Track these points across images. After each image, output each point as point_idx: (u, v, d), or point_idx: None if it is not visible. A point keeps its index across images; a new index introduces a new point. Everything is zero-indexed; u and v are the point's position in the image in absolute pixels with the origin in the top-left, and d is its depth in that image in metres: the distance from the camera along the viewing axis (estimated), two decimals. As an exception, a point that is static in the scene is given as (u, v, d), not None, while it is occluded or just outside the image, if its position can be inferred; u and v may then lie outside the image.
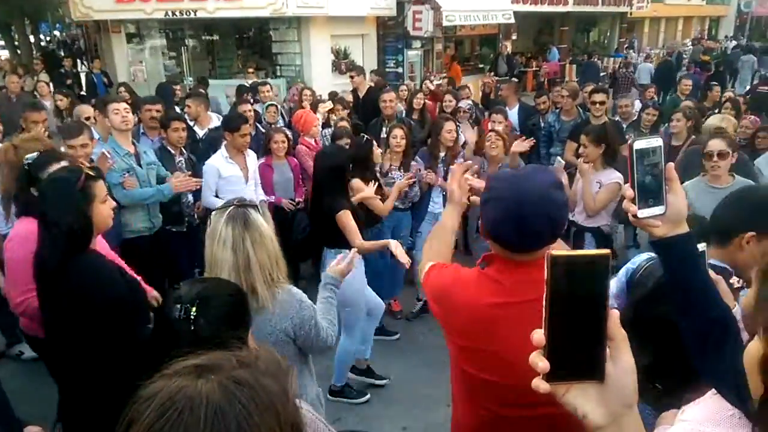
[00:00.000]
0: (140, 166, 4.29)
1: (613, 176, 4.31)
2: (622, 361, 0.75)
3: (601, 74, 18.22)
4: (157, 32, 13.50)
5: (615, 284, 2.42)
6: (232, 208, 2.07)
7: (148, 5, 11.49)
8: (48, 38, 27.52)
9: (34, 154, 2.85)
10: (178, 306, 1.36)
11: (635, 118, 6.85)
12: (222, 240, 2.01)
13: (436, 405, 3.68)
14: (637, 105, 7.77)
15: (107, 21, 12.23)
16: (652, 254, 2.31)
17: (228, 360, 0.81)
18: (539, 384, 0.75)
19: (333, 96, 8.00)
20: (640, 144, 1.17)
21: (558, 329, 0.74)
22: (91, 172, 2.36)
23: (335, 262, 2.55)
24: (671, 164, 1.20)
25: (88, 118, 5.15)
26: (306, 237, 4.73)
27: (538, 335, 0.75)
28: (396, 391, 4.16)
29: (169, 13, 11.67)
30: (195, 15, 11.81)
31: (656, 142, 1.18)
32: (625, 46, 23.21)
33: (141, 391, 0.77)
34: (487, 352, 1.68)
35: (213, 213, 2.12)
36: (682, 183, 1.27)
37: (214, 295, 1.41)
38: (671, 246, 1.26)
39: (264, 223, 2.07)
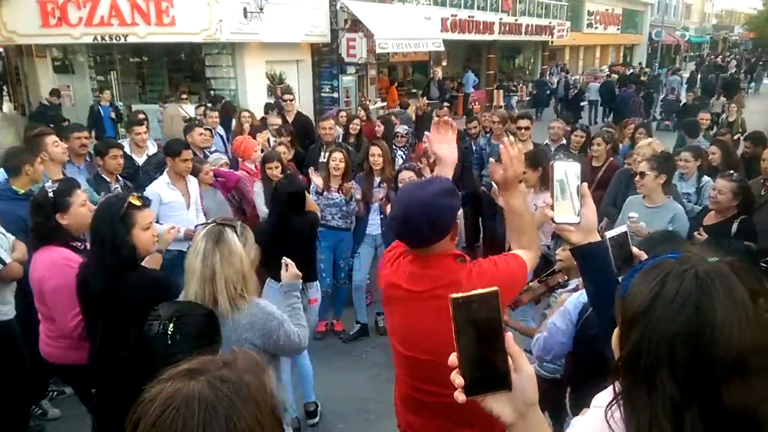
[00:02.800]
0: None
1: (547, 199, 4.60)
2: (522, 370, 0.96)
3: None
4: (84, 55, 13.14)
5: (562, 321, 2.50)
6: (212, 224, 2.28)
7: (75, 30, 11.17)
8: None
9: (54, 184, 2.98)
10: (156, 323, 1.46)
11: (563, 141, 7.32)
12: (196, 252, 2.21)
13: (380, 418, 3.81)
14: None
15: (32, 45, 11.79)
16: None
17: (213, 362, 0.96)
18: (458, 395, 0.95)
19: (268, 107, 8.03)
20: (559, 164, 1.46)
21: (466, 353, 0.94)
22: (136, 202, 2.54)
23: (284, 270, 2.67)
24: (585, 184, 1.48)
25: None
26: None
27: (452, 358, 0.95)
28: (344, 406, 4.26)
29: (98, 37, 11.38)
30: (125, 40, 11.57)
31: (574, 164, 1.47)
32: (549, 71, 24.69)
33: (144, 395, 0.91)
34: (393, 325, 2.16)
35: (197, 228, 2.36)
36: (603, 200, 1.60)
37: (188, 313, 1.52)
38: (587, 251, 1.52)
39: (236, 242, 2.25)
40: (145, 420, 0.87)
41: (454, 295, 0.93)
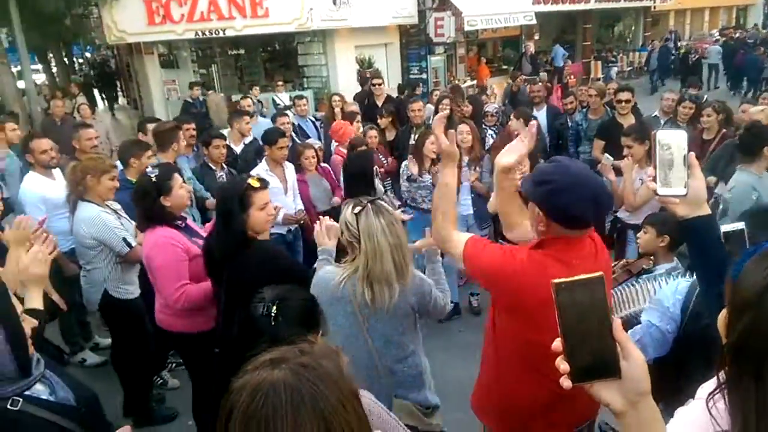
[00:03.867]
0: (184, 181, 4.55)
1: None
2: (632, 357, 0.93)
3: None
4: (187, 50, 13.93)
5: (663, 319, 2.32)
6: (370, 204, 2.40)
7: (178, 26, 11.89)
8: (81, 61, 28.51)
9: (155, 170, 3.25)
10: (261, 304, 1.55)
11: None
12: (372, 229, 2.36)
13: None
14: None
15: (140, 43, 12.67)
16: (689, 278, 2.38)
17: (292, 351, 1.03)
18: (563, 381, 0.94)
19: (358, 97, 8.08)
20: (662, 133, 1.39)
21: (571, 339, 0.92)
22: (254, 183, 2.77)
23: (420, 242, 2.81)
24: (693, 153, 1.39)
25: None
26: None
27: (557, 343, 0.94)
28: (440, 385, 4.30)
29: (199, 33, 12.05)
30: (224, 33, 12.18)
31: (679, 132, 1.39)
32: (665, 38, 23.27)
33: (233, 385, 0.99)
34: None
35: (350, 213, 2.43)
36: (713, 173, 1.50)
37: (291, 297, 1.61)
38: (695, 226, 1.44)
39: (397, 222, 2.46)
40: (237, 409, 0.94)
41: (557, 280, 0.92)
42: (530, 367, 2.10)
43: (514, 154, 2.11)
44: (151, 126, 4.93)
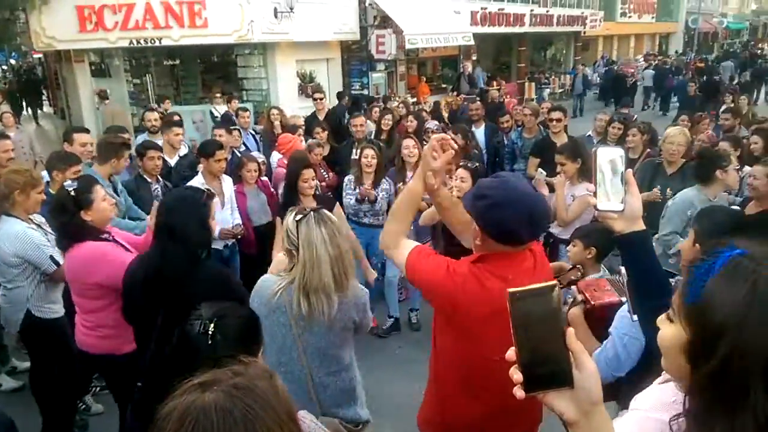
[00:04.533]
0: (117, 194, 4.35)
1: (586, 189, 4.55)
2: (585, 368, 0.93)
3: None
4: (121, 59, 13.46)
5: (633, 328, 2.28)
6: (313, 213, 2.38)
7: (111, 34, 11.45)
8: (5, 68, 27.05)
9: (74, 182, 3.01)
10: (198, 322, 1.48)
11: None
12: (311, 239, 2.31)
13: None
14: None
15: (70, 51, 12.13)
16: None
17: (224, 373, 0.98)
18: (516, 392, 0.93)
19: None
20: (602, 150, 1.43)
21: (525, 348, 0.92)
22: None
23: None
24: (630, 170, 1.44)
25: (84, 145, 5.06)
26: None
27: (510, 353, 0.93)
28: (378, 402, 4.26)
29: (134, 41, 11.65)
30: (160, 43, 11.82)
31: (618, 150, 1.44)
32: (595, 63, 24.77)
33: (159, 412, 0.92)
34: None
35: (292, 220, 2.38)
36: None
37: (230, 314, 1.54)
38: (632, 240, 1.48)
39: (337, 229, 2.40)
40: None
41: (511, 290, 0.92)
42: (469, 383, 2.10)
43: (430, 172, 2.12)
44: (77, 136, 4.69)
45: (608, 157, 1.41)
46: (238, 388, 0.92)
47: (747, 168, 5.23)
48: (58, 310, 3.58)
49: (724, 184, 4.14)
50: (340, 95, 11.30)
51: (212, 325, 1.47)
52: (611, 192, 1.41)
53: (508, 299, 0.91)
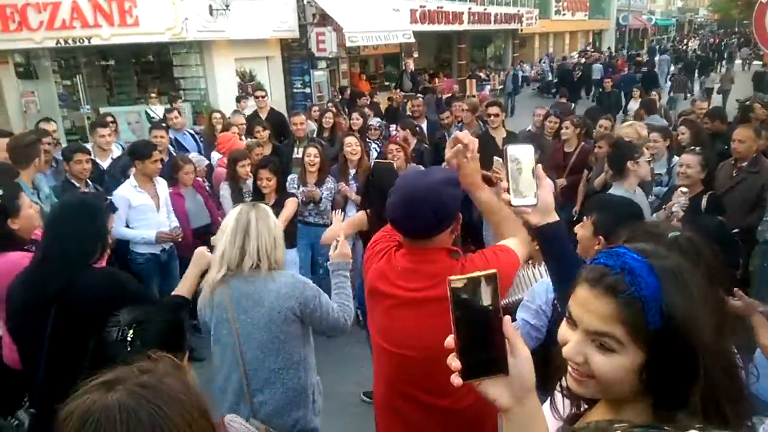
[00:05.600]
0: (40, 200, 4.14)
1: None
2: (519, 353, 0.95)
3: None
4: (48, 60, 12.83)
5: (535, 316, 2.46)
6: (252, 204, 2.49)
7: (36, 34, 10.87)
8: None
9: None
10: (115, 329, 1.42)
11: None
12: (233, 216, 2.40)
13: (366, 412, 3.78)
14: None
15: (-8, 51, 11.47)
16: None
17: (130, 371, 0.93)
18: (454, 379, 0.94)
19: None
20: (512, 147, 1.47)
21: (463, 336, 0.93)
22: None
23: (332, 250, 2.72)
24: (540, 165, 1.49)
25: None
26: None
27: (449, 340, 0.94)
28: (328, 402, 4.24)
29: (61, 41, 11.11)
30: (89, 42, 11.32)
31: (527, 147, 1.49)
32: (540, 60, 25.58)
33: (59, 414, 0.87)
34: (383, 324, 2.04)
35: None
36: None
37: (151, 319, 1.48)
38: (546, 231, 1.55)
39: (271, 212, 2.47)
40: None
41: (453, 278, 0.92)
42: (375, 362, 2.20)
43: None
44: (2, 140, 4.44)
45: (518, 155, 1.46)
46: (143, 386, 0.88)
47: (676, 158, 5.49)
48: None
49: (637, 176, 4.25)
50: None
51: (131, 332, 1.41)
52: (523, 188, 1.46)
53: (448, 286, 0.92)
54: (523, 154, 1.45)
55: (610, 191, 4.27)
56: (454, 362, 0.93)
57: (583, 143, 6.33)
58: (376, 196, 3.88)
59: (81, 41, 11.23)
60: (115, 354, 1.38)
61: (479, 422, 2.02)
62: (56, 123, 6.38)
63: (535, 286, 2.60)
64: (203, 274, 2.59)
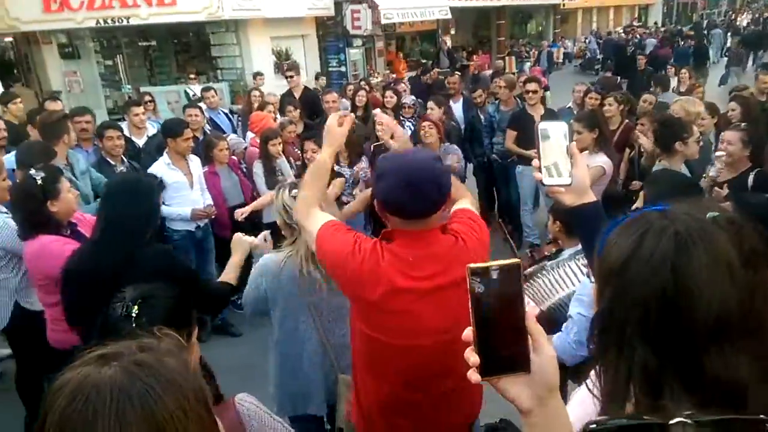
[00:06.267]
0: (76, 177, 4.19)
1: (598, 160, 4.49)
2: (543, 352, 0.86)
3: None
4: (90, 41, 13.08)
5: (588, 309, 2.33)
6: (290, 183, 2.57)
7: (78, 14, 11.11)
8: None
9: (39, 171, 2.88)
10: (120, 304, 1.39)
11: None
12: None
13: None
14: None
15: (36, 32, 11.76)
16: None
17: (128, 347, 0.88)
18: (471, 375, 0.85)
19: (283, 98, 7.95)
20: (544, 125, 1.39)
21: (483, 330, 0.84)
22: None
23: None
24: (574, 143, 1.41)
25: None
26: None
27: (467, 333, 0.85)
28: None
29: (101, 21, 11.31)
30: (128, 22, 11.50)
31: (561, 124, 1.40)
32: (585, 38, 24.75)
33: (52, 385, 0.83)
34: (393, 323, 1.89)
35: (288, 196, 2.52)
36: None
37: (157, 295, 1.44)
38: (582, 212, 1.46)
39: None
40: (53, 412, 0.79)
41: (472, 265, 0.84)
42: (371, 365, 2.04)
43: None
44: (54, 104, 4.51)
45: (551, 132, 1.38)
46: (140, 364, 0.83)
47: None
48: (34, 302, 3.34)
49: (684, 155, 4.06)
50: (318, 75, 11.10)
51: (135, 308, 1.37)
52: (557, 166, 1.39)
53: (468, 274, 0.84)
54: (556, 132, 1.37)
55: (654, 171, 4.10)
56: (472, 357, 0.85)
57: (626, 121, 6.08)
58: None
59: (120, 21, 11.42)
60: (119, 330, 1.35)
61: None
62: (62, 102, 6.28)
63: (585, 279, 2.51)
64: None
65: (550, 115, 6.09)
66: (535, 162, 1.40)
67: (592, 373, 1.08)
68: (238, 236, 2.73)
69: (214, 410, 1.36)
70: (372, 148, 4.95)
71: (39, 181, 2.81)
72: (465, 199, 2.10)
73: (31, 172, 2.93)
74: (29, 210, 2.84)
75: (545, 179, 1.39)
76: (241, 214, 4.51)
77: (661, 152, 4.13)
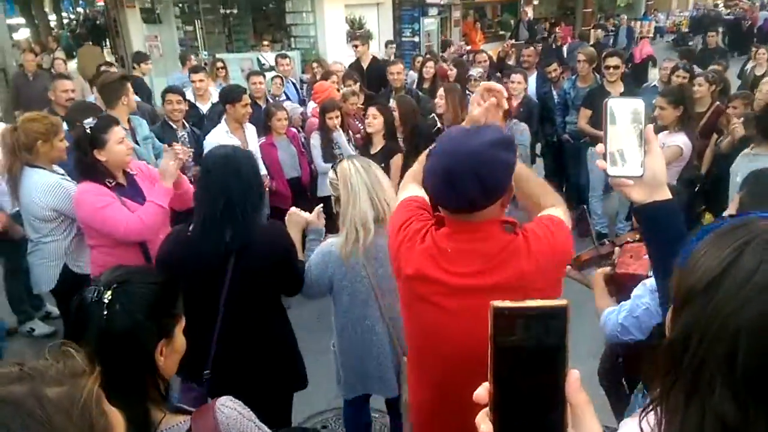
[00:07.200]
0: (137, 142, 4.25)
1: (677, 140, 4.19)
2: (584, 430, 0.65)
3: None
4: (172, 5, 13.41)
5: (652, 298, 2.09)
6: (351, 157, 2.51)
7: (160, -22, 11.39)
8: (72, 16, 27.73)
9: (91, 119, 3.00)
10: (92, 287, 1.30)
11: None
12: (354, 170, 2.39)
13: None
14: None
15: (122, -5, 12.18)
16: None
17: (5, 375, 0.74)
18: None
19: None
20: (615, 102, 1.12)
21: (505, 392, 0.63)
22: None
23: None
24: (650, 126, 1.15)
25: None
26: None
27: (482, 392, 0.65)
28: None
29: (181, -15, 11.56)
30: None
31: (635, 102, 1.12)
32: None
33: None
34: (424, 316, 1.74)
35: (330, 171, 2.50)
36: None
37: (135, 281, 1.33)
38: (653, 212, 1.19)
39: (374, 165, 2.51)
40: None
41: (498, 304, 0.61)
42: (414, 355, 1.90)
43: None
44: (58, 83, 4.61)
45: (623, 110, 1.11)
46: (3, 401, 0.70)
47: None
48: (88, 265, 3.44)
49: None
50: (387, 43, 10.86)
51: (109, 293, 1.28)
52: (627, 153, 1.12)
53: (491, 314, 0.62)
54: (629, 111, 1.11)
55: (740, 158, 3.68)
56: (483, 424, 0.64)
57: (717, 103, 5.52)
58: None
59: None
60: (90, 317, 1.26)
61: None
62: (72, 81, 6.27)
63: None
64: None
65: (631, 92, 5.63)
66: (599, 147, 1.15)
67: (648, 417, 0.88)
68: (293, 212, 2.70)
69: (192, 415, 1.28)
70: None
71: (87, 130, 2.91)
72: (555, 207, 1.77)
73: (85, 122, 3.03)
74: (77, 157, 2.97)
75: (610, 168, 1.14)
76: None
77: (761, 139, 3.70)
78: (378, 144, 4.55)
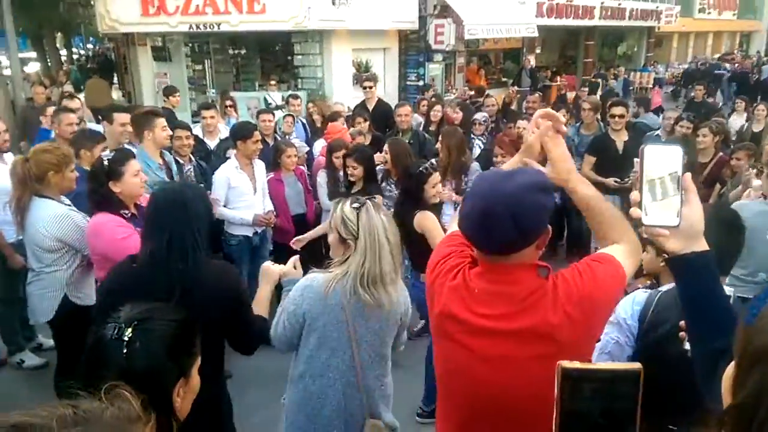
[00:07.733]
0: (172, 179, 4.26)
1: None
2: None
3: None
4: (182, 45, 13.69)
5: (620, 333, 2.11)
6: (369, 201, 2.33)
7: (172, 18, 11.68)
8: (82, 52, 28.31)
9: (111, 153, 3.12)
10: (112, 325, 1.26)
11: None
12: (381, 227, 2.27)
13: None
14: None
15: (134, 34, 12.45)
16: (645, 290, 2.22)
17: (57, 416, 0.71)
18: None
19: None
20: (652, 149, 1.11)
21: None
22: None
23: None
24: (688, 174, 1.12)
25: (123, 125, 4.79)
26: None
27: None
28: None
29: (194, 26, 11.85)
30: (218, 28, 11.98)
31: (673, 149, 1.11)
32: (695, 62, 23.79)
33: None
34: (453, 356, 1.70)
35: (349, 208, 2.29)
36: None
37: (156, 318, 1.30)
38: (689, 264, 1.16)
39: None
40: None
41: (566, 364, 0.62)
42: (441, 392, 1.85)
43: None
44: (117, 115, 4.65)
45: (660, 158, 1.09)
46: None
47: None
48: (92, 295, 3.40)
49: None
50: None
51: (129, 330, 1.24)
52: (664, 202, 1.10)
53: (558, 374, 0.61)
54: (666, 158, 1.09)
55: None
56: None
57: (721, 153, 5.58)
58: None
59: (212, 27, 11.93)
60: (109, 355, 1.23)
61: None
62: (81, 100, 6.45)
63: (621, 301, 2.17)
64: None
65: (637, 139, 5.69)
66: (634, 195, 1.13)
67: None
68: (267, 266, 2.56)
69: None
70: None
71: (105, 162, 3.02)
72: (617, 244, 1.66)
73: (104, 154, 3.19)
74: (92, 187, 3.04)
75: (645, 218, 1.11)
76: (298, 242, 4.42)
77: None
78: (358, 185, 4.55)
